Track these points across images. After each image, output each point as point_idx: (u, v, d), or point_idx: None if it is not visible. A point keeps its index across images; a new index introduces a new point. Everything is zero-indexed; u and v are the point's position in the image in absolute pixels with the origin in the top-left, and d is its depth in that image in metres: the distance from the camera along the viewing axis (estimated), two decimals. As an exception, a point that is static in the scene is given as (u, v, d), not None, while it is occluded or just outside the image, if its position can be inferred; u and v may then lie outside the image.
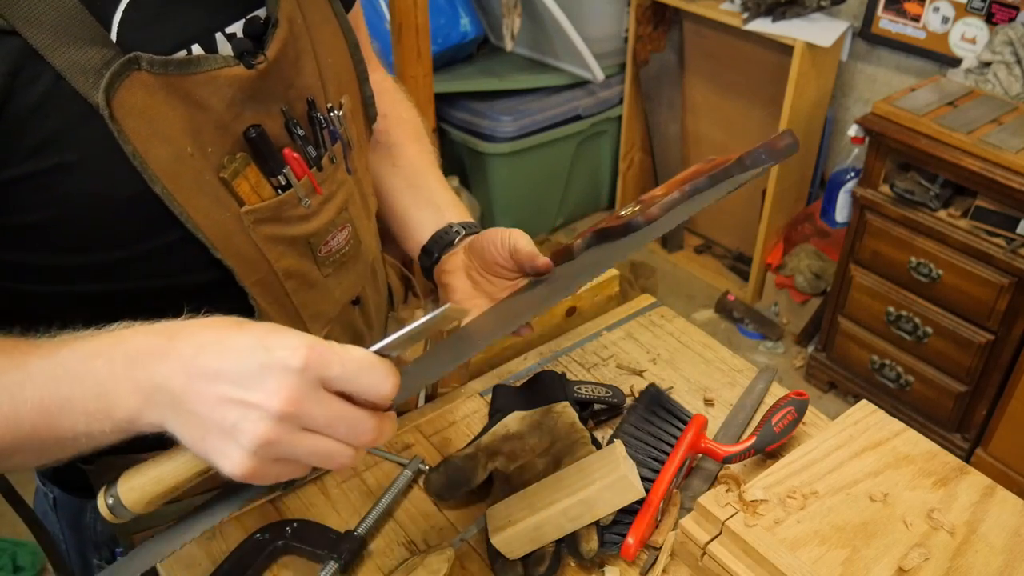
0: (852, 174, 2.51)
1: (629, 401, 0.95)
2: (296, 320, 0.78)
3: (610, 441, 0.87)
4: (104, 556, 0.90)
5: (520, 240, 0.79)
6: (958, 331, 2.11)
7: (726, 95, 2.95)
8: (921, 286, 2.15)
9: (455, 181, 2.96)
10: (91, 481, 0.79)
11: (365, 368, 0.52)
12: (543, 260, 0.78)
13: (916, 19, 2.43)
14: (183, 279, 0.70)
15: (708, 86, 3.00)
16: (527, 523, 0.74)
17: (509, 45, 2.83)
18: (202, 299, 0.64)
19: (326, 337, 0.54)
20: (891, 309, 2.24)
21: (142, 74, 0.60)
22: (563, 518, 0.75)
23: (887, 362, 2.33)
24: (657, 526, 0.79)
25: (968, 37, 2.33)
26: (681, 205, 0.76)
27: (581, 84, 3.00)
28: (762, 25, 2.52)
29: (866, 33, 2.56)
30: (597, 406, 0.93)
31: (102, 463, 0.76)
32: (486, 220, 3.04)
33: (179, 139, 0.63)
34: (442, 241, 0.89)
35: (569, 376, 0.98)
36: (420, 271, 0.93)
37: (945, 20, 2.36)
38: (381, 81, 0.95)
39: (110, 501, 0.57)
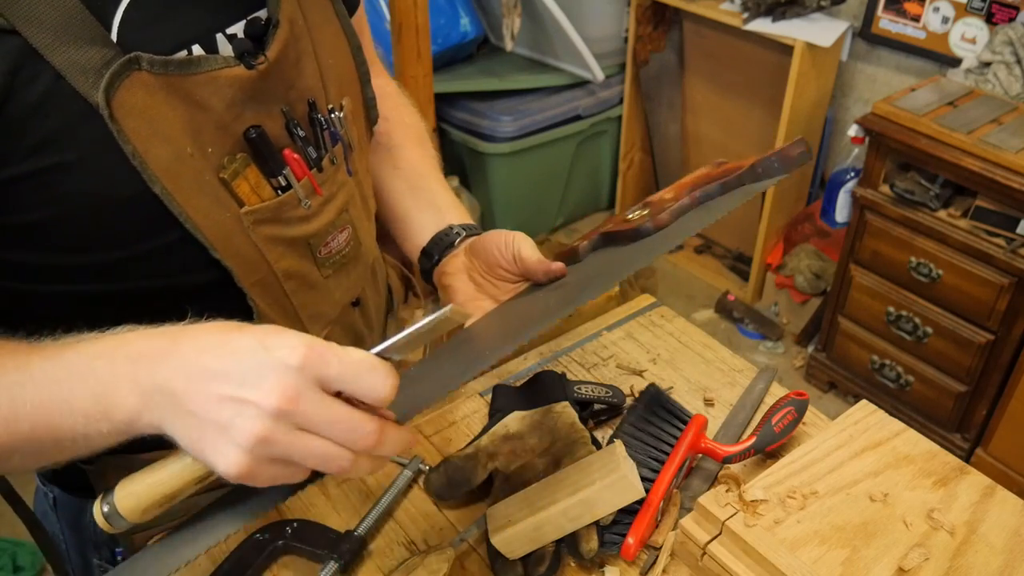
0: (852, 174, 2.50)
1: (629, 401, 0.95)
2: (296, 321, 0.78)
3: (610, 441, 0.87)
4: (104, 556, 0.90)
5: (524, 247, 0.78)
6: (958, 331, 2.11)
7: (726, 95, 2.94)
8: (921, 286, 2.15)
9: (455, 181, 2.96)
10: (91, 481, 0.79)
11: (364, 369, 0.52)
12: (557, 265, 0.78)
13: (916, 19, 2.43)
14: (182, 279, 0.70)
15: (708, 86, 3.00)
16: (527, 523, 0.74)
17: (509, 45, 2.82)
18: (201, 299, 0.64)
19: (326, 338, 0.54)
20: (891, 309, 2.24)
21: (142, 74, 0.60)
22: (563, 518, 0.75)
23: (887, 362, 2.33)
24: (657, 526, 0.79)
25: (968, 37, 2.33)
26: (691, 213, 0.74)
27: (581, 84, 3.00)
28: (762, 25, 2.52)
29: (866, 33, 2.56)
30: (597, 406, 0.93)
31: (102, 463, 0.76)
32: (486, 220, 3.04)
33: (179, 139, 0.63)
34: (442, 243, 0.88)
35: (569, 376, 0.98)
36: (420, 273, 0.93)
37: (945, 20, 2.36)
38: (384, 85, 0.95)
39: (106, 509, 0.56)
